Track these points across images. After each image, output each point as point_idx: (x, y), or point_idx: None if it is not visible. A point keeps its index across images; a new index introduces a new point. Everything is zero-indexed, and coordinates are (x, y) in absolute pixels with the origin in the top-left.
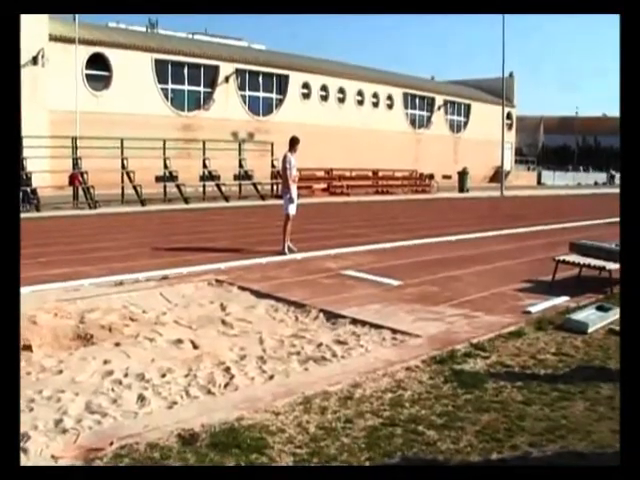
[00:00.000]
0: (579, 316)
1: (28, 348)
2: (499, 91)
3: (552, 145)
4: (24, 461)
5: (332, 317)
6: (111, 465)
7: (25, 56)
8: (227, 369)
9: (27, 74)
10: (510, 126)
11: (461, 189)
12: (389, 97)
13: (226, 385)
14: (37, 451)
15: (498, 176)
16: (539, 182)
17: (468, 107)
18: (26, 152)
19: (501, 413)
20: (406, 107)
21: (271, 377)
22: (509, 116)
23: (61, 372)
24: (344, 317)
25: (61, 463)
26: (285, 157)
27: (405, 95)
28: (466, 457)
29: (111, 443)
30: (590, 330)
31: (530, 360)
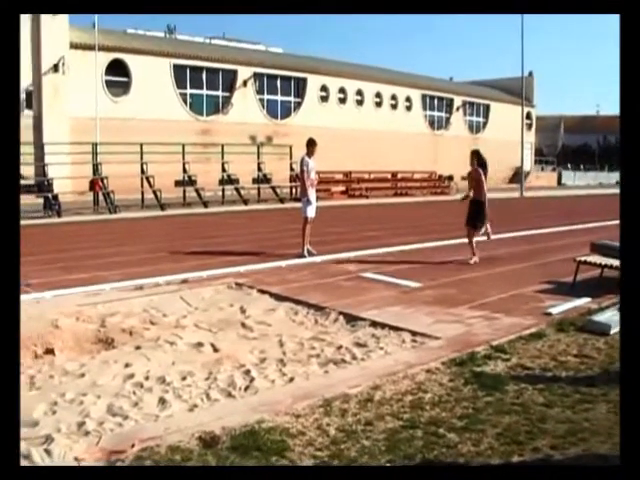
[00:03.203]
0: (601, 317)
1: (51, 352)
2: (518, 91)
3: (572, 145)
4: (48, 462)
5: (351, 319)
6: (134, 465)
7: (46, 64)
8: (247, 372)
9: (48, 82)
10: (530, 126)
11: None
12: (407, 99)
13: (246, 388)
14: (60, 453)
15: (517, 177)
16: (559, 182)
17: (487, 107)
18: (48, 159)
19: (522, 415)
20: (425, 108)
21: (291, 380)
22: (529, 116)
23: (83, 375)
24: (363, 319)
25: (84, 465)
26: (302, 160)
27: (424, 96)
28: (487, 460)
29: (133, 445)
30: (612, 332)
31: (551, 362)
